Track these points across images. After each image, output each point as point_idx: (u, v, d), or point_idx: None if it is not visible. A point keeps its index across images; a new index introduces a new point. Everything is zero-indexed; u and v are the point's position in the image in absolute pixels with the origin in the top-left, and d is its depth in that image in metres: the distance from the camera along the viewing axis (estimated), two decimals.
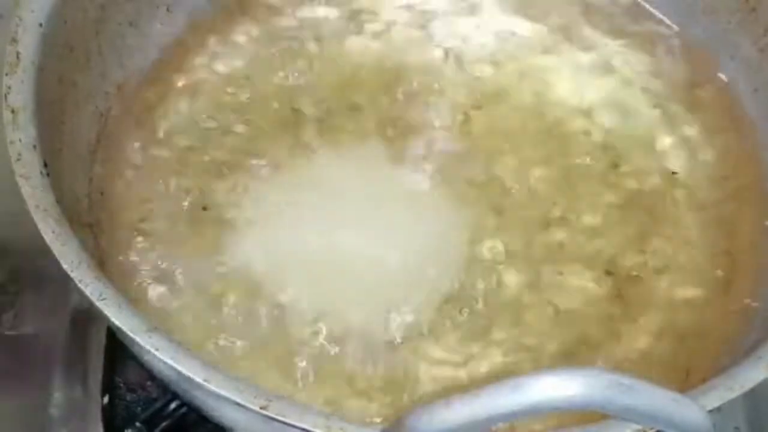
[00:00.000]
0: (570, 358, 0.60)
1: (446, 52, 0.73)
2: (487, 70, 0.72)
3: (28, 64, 0.59)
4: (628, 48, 0.75)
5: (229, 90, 0.70)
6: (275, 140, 0.68)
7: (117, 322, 0.49)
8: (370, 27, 0.74)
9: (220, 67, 0.71)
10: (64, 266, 0.50)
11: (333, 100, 0.70)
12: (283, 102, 0.70)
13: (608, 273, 0.63)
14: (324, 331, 0.59)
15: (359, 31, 0.74)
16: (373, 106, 0.70)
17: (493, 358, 0.59)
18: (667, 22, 0.76)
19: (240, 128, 0.68)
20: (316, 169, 0.67)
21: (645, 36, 0.76)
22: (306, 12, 0.75)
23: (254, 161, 0.66)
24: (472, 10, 0.76)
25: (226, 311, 0.60)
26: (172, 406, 0.67)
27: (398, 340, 0.60)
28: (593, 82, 0.73)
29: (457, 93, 0.71)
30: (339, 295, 0.61)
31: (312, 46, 0.73)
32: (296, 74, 0.71)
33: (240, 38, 0.73)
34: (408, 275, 0.62)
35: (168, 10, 0.73)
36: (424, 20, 0.75)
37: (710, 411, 0.44)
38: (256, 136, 0.68)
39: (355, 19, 0.75)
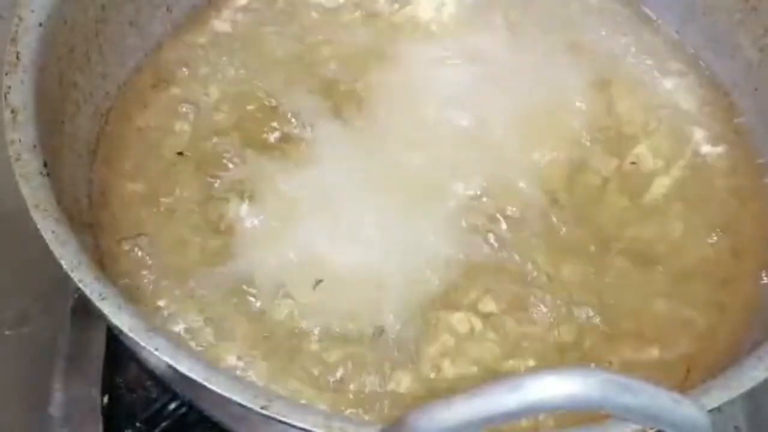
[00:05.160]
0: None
1: None
2: None
3: (28, 64, 0.59)
4: (627, 47, 0.75)
5: (230, 89, 0.70)
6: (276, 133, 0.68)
7: (117, 322, 0.49)
8: None
9: (221, 64, 0.71)
10: (64, 266, 0.50)
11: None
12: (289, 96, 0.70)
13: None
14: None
15: None
16: None
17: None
18: (667, 24, 0.77)
19: (241, 125, 0.68)
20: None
21: (645, 38, 0.76)
22: None
23: (256, 159, 0.67)
24: None
25: (228, 309, 0.60)
26: (172, 406, 0.67)
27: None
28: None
29: None
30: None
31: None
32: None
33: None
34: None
35: (168, 9, 0.73)
36: None
37: (710, 411, 0.44)
38: (258, 132, 0.68)
39: None
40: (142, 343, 0.48)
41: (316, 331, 0.59)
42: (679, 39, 0.76)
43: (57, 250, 0.51)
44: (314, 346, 0.59)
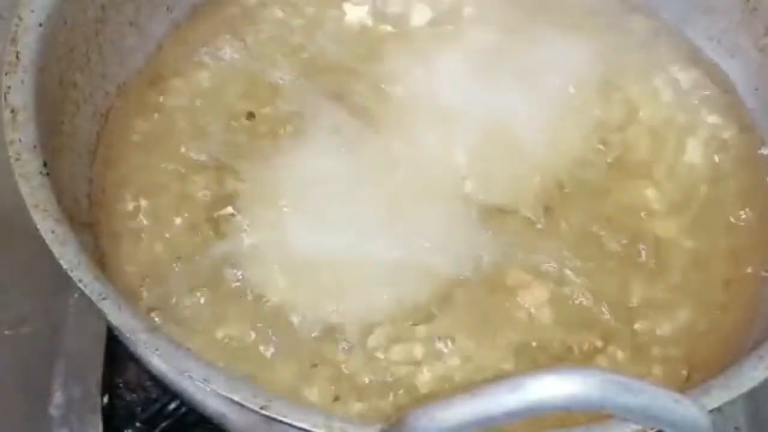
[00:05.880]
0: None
1: None
2: None
3: (28, 64, 0.59)
4: (628, 47, 0.75)
5: (230, 88, 0.70)
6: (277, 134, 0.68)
7: (117, 322, 0.49)
8: None
9: (221, 65, 0.71)
10: (64, 266, 0.50)
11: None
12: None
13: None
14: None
15: None
16: None
17: None
18: (667, 23, 0.77)
19: (242, 125, 0.68)
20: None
21: (645, 37, 0.76)
22: None
23: (254, 161, 0.66)
24: None
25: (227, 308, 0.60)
26: (172, 406, 0.67)
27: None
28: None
29: None
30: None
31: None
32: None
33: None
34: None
35: (168, 9, 0.73)
36: None
37: (710, 411, 0.44)
38: (258, 130, 0.68)
39: None
40: (142, 343, 0.48)
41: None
42: (679, 39, 0.76)
43: (57, 250, 0.51)
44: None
